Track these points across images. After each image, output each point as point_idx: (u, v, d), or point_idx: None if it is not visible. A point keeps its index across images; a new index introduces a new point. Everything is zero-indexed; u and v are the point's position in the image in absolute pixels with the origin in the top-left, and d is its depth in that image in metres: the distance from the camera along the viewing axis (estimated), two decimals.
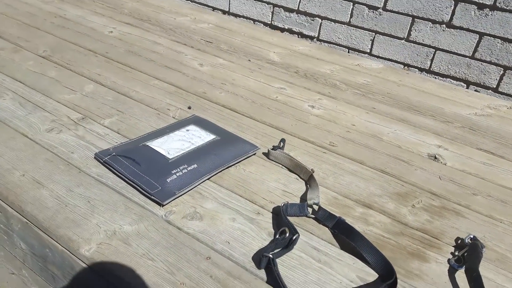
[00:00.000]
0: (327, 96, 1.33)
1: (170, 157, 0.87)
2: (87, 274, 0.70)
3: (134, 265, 0.68)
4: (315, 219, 0.81)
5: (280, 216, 0.79)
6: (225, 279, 0.67)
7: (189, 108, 1.14)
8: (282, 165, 0.96)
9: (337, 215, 0.80)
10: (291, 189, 0.90)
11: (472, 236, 0.79)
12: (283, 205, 0.80)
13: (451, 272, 0.74)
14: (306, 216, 0.82)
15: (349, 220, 0.82)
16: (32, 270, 0.86)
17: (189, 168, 0.85)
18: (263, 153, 1.00)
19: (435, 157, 1.07)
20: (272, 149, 0.98)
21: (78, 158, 0.92)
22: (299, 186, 0.91)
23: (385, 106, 1.30)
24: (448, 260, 0.76)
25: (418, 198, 0.91)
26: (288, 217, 0.78)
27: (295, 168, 0.94)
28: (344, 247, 0.76)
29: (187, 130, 0.97)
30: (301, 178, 0.93)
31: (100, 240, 0.72)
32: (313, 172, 0.90)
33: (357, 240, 0.75)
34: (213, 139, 0.96)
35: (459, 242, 0.81)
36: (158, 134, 0.95)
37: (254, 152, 0.98)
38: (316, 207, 0.82)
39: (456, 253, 0.77)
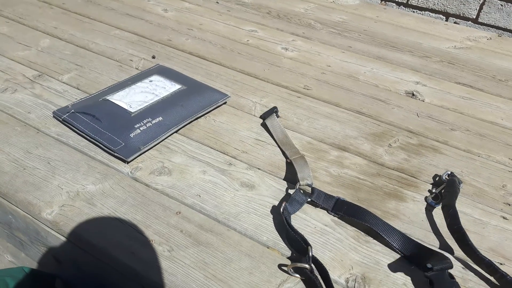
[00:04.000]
0: (301, 36, 1.26)
1: (133, 110, 0.82)
2: (52, 238, 0.67)
3: (100, 226, 0.65)
4: (311, 202, 0.71)
5: (285, 228, 0.64)
6: (196, 232, 0.65)
7: (153, 57, 1.07)
8: (272, 136, 0.85)
9: (335, 195, 0.70)
10: (264, 137, 0.86)
11: (449, 173, 0.78)
12: (283, 210, 0.66)
13: (429, 210, 0.73)
14: (305, 203, 0.70)
15: (324, 165, 0.80)
16: (1, 237, 0.83)
17: (153, 122, 0.80)
18: (261, 117, 0.90)
19: (413, 94, 1.03)
20: (271, 112, 0.89)
21: (35, 118, 0.86)
22: None
23: (361, 44, 1.25)
24: (425, 198, 0.75)
25: (395, 137, 0.89)
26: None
27: (284, 145, 0.82)
28: (355, 225, 0.68)
29: (150, 81, 0.91)
30: (285, 156, 0.81)
31: (62, 202, 0.68)
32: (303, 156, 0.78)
33: (370, 219, 0.65)
34: (179, 89, 0.90)
35: (437, 179, 0.79)
36: (119, 87, 0.89)
37: (224, 101, 0.93)
38: (309, 189, 0.71)
39: (434, 191, 0.76)
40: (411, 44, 1.27)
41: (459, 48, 1.27)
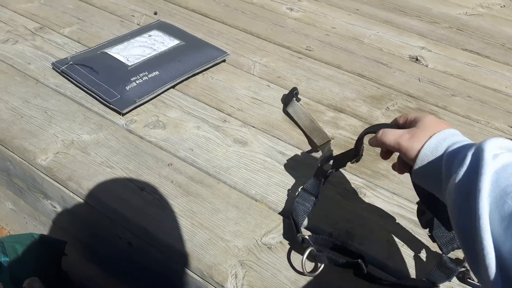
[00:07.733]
0: None
1: (130, 64, 0.82)
2: (48, 185, 0.69)
3: (92, 173, 0.66)
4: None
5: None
6: (187, 183, 0.66)
7: (155, 13, 1.06)
8: (296, 124, 0.79)
9: None
10: (261, 96, 0.86)
11: None
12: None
13: None
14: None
15: (319, 126, 0.80)
16: (1, 185, 0.85)
17: (150, 76, 0.80)
18: (282, 102, 0.84)
19: (417, 59, 1.01)
20: (291, 97, 0.80)
21: (35, 69, 0.86)
22: (270, 93, 0.86)
23: (369, 7, 1.22)
24: None
25: (393, 101, 0.88)
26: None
27: (312, 132, 0.76)
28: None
29: (149, 36, 0.90)
30: (314, 142, 0.75)
31: (57, 149, 0.70)
32: (332, 140, 0.74)
33: None
34: (177, 45, 0.89)
35: None
36: (118, 41, 0.89)
37: (223, 58, 0.92)
38: None
39: None
40: (420, 9, 1.23)
41: (470, 14, 1.23)
